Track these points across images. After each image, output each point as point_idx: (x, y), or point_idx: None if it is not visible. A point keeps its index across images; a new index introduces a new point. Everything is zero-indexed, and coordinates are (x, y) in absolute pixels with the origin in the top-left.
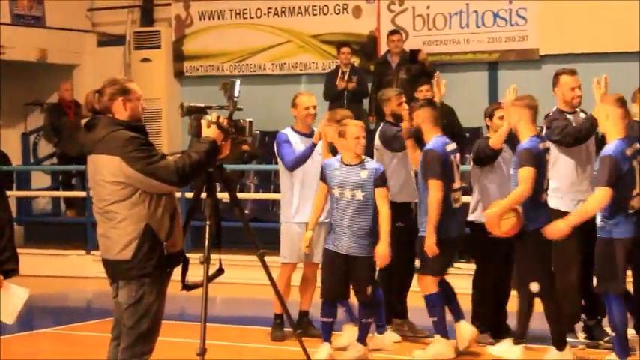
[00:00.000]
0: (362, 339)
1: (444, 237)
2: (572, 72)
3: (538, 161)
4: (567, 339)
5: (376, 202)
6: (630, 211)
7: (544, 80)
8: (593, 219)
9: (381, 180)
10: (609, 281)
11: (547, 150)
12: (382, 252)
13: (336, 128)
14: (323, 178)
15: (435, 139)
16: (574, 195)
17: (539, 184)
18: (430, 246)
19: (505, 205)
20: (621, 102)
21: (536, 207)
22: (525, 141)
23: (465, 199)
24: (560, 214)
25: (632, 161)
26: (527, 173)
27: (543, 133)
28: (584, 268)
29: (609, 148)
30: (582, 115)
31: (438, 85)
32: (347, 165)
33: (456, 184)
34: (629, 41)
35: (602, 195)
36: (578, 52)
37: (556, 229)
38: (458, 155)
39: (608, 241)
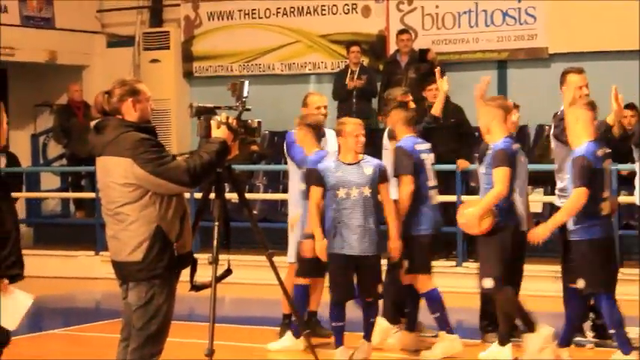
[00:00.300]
0: (368, 337)
1: (422, 234)
2: (580, 70)
3: (512, 161)
4: (577, 338)
5: (382, 197)
6: (601, 214)
7: (553, 79)
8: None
9: (385, 176)
10: (598, 282)
11: (520, 150)
12: (394, 245)
13: (306, 132)
14: (318, 181)
15: (405, 138)
16: None
17: (511, 185)
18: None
19: (484, 206)
20: (592, 106)
21: (507, 206)
22: (499, 141)
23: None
24: None
25: (603, 163)
26: (503, 173)
27: (551, 132)
28: None
29: (581, 150)
30: None
31: (441, 78)
32: (347, 164)
33: (431, 182)
34: (638, 39)
35: (579, 195)
36: (587, 51)
37: (536, 234)
38: (432, 155)
39: (585, 244)
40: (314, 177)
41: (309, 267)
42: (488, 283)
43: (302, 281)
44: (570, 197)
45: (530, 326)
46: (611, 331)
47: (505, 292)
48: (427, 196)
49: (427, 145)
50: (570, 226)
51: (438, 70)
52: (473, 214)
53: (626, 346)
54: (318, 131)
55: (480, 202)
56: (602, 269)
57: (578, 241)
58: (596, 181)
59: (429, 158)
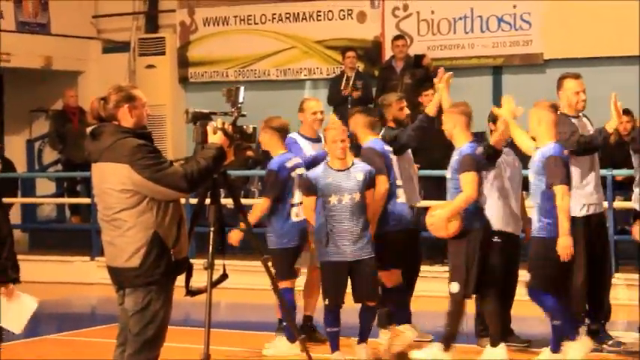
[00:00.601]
0: (364, 341)
1: (391, 230)
2: (577, 76)
3: (479, 166)
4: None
5: (368, 202)
6: None
7: (548, 84)
8: (596, 221)
9: (374, 181)
10: (548, 281)
11: (514, 155)
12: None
13: (271, 135)
14: (310, 190)
15: (372, 140)
16: (578, 199)
17: (479, 188)
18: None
19: (453, 209)
20: (554, 108)
21: (474, 210)
22: (465, 146)
23: None
24: None
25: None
26: (471, 178)
27: None
28: (589, 272)
29: (549, 150)
30: (585, 119)
31: (441, 79)
32: (337, 170)
33: (399, 181)
34: (634, 45)
35: (563, 192)
36: (582, 57)
37: (564, 246)
38: (395, 157)
39: (550, 242)
40: (305, 186)
41: (284, 270)
42: (455, 287)
43: (283, 285)
44: (560, 197)
45: (447, 343)
46: (556, 323)
47: (462, 300)
48: (395, 195)
49: (390, 148)
50: (537, 223)
51: (441, 70)
52: (440, 216)
53: (573, 330)
54: (283, 134)
55: (449, 205)
56: (554, 268)
57: (548, 240)
58: (569, 181)
59: (394, 158)
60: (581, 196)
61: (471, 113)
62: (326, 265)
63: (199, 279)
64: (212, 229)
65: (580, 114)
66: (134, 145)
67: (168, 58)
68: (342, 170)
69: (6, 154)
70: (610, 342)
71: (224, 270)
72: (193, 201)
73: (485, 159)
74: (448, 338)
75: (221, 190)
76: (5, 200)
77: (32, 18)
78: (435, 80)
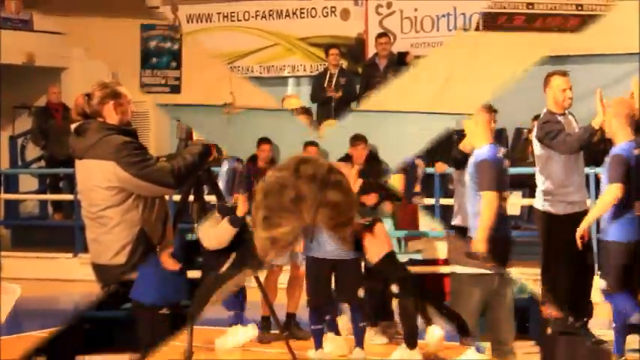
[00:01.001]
0: (361, 344)
1: None
2: (564, 73)
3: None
4: None
5: None
6: (504, 214)
7: (530, 81)
8: (580, 220)
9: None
10: None
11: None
12: None
13: None
14: None
15: None
16: (564, 197)
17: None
18: None
19: None
20: (489, 109)
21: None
22: None
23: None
24: (551, 217)
25: (504, 164)
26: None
27: (534, 134)
28: (572, 270)
29: (484, 154)
30: (571, 117)
31: None
32: None
33: None
34: (617, 42)
35: (492, 199)
36: (564, 54)
37: (477, 248)
38: None
39: (489, 243)
40: None
41: None
42: (395, 288)
43: None
44: (485, 203)
45: (410, 341)
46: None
47: (407, 300)
48: None
49: None
50: (471, 223)
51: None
52: None
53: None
54: None
55: None
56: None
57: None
58: (503, 182)
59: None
60: (564, 195)
61: None
62: (309, 260)
63: None
64: (195, 225)
65: (566, 111)
66: (120, 142)
67: None
68: None
69: None
70: (593, 340)
71: None
72: (176, 198)
73: (454, 162)
74: (409, 337)
75: (204, 186)
76: None
77: (15, 14)
78: None
